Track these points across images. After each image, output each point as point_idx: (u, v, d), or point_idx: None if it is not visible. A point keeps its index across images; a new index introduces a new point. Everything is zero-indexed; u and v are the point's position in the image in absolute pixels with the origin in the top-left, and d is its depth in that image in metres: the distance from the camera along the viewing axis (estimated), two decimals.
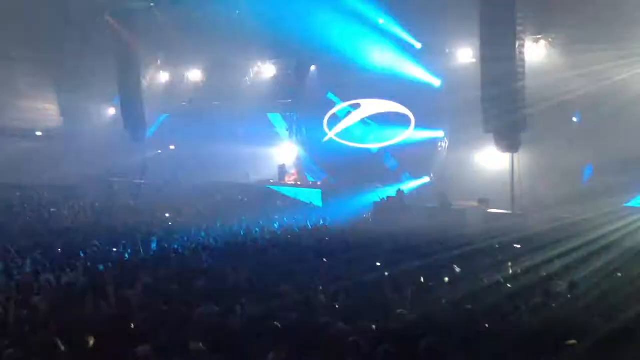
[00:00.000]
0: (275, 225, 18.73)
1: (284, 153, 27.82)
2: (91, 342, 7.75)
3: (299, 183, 25.54)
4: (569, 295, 10.19)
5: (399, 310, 9.03)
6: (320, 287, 10.71)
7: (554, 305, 9.70)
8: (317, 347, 8.03)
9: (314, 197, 23.97)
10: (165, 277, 11.37)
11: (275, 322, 8.70)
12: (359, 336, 7.94)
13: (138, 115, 27.58)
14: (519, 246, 14.31)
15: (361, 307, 9.66)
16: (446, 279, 11.40)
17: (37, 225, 18.08)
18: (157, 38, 27.56)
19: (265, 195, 24.73)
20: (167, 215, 20.31)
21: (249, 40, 25.72)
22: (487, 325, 8.56)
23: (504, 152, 19.58)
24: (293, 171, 26.37)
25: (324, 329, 8.49)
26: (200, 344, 7.73)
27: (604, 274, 11.63)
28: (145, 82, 29.09)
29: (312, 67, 26.90)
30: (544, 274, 11.94)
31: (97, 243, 14.19)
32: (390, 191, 21.74)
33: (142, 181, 26.58)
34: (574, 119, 20.16)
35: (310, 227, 18.37)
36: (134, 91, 27.62)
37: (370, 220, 20.22)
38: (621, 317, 8.59)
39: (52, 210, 20.97)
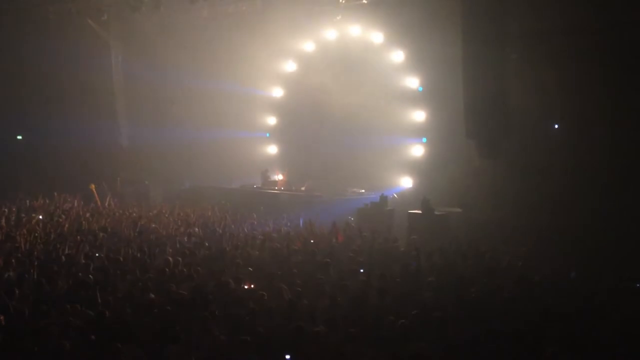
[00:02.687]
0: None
1: (266, 156, 27.89)
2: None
3: (282, 189, 25.44)
4: None
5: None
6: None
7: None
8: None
9: None
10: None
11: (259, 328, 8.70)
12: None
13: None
14: None
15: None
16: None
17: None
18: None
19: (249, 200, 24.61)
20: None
21: None
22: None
23: (486, 158, 19.59)
24: (281, 175, 26.25)
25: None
26: None
27: None
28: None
29: None
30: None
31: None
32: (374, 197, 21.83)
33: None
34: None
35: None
36: None
37: (354, 225, 20.18)
38: None
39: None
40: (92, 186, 23.14)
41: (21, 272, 11.66)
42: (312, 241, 15.99)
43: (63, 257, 13.09)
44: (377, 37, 24.27)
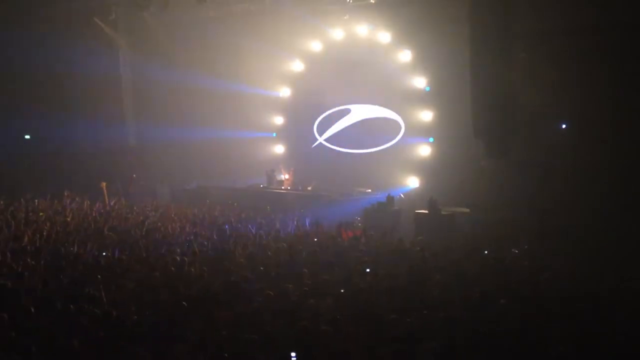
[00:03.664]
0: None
1: (273, 156, 27.92)
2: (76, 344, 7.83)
3: (289, 188, 25.47)
4: None
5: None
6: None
7: None
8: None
9: None
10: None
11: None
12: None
13: None
14: None
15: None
16: None
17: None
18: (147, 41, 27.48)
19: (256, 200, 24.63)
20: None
21: None
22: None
23: (493, 158, 19.53)
24: (288, 175, 26.25)
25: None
26: None
27: None
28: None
29: None
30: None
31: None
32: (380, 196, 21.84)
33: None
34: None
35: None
36: None
37: (360, 224, 20.19)
38: None
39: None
40: (103, 184, 23.15)
41: (28, 270, 11.71)
42: (315, 239, 16.02)
43: (70, 256, 13.15)
44: (384, 36, 24.30)
